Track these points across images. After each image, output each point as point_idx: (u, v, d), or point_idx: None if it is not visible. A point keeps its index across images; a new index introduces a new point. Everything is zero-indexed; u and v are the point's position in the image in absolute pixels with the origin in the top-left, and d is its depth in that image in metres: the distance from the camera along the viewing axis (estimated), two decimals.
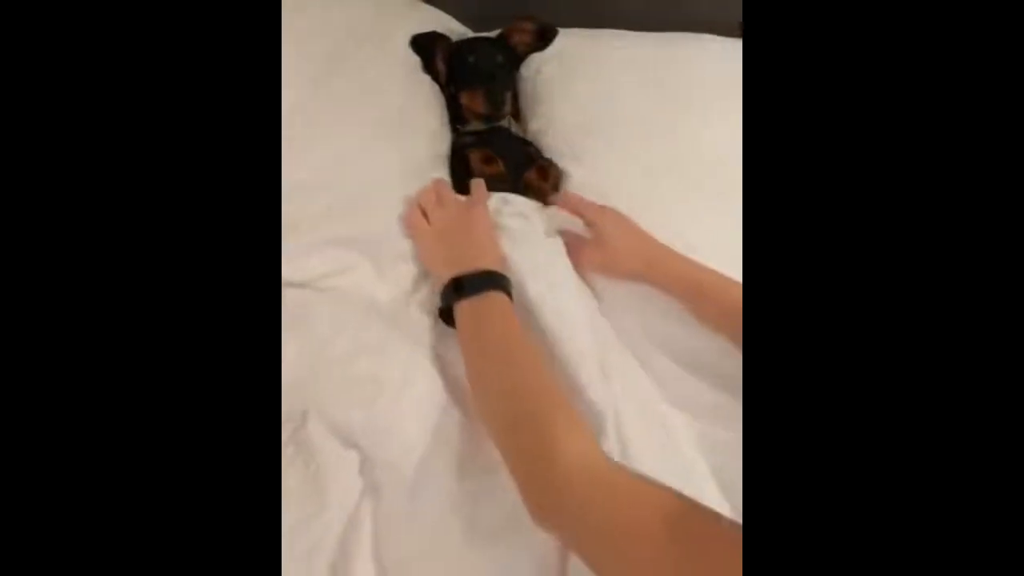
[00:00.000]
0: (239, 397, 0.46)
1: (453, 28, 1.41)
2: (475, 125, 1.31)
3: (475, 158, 1.22)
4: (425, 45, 1.31)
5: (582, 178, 1.21)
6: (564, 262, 1.01)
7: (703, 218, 1.15)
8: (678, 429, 0.94)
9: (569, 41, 1.36)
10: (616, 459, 0.78)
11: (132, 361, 0.44)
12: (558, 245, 1.03)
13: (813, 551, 0.41)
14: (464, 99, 1.30)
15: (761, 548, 0.43)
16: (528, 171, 1.22)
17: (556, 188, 1.22)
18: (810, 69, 0.46)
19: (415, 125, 1.22)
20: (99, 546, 0.42)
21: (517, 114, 1.37)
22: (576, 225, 1.06)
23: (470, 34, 1.41)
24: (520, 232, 1.01)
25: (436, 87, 1.31)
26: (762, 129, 0.47)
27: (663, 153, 1.22)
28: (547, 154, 1.29)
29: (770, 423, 0.44)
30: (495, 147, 1.25)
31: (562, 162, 1.25)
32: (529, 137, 1.34)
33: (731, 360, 0.88)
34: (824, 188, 0.45)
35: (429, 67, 1.31)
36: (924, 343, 0.42)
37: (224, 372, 0.46)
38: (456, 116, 1.32)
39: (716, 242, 1.07)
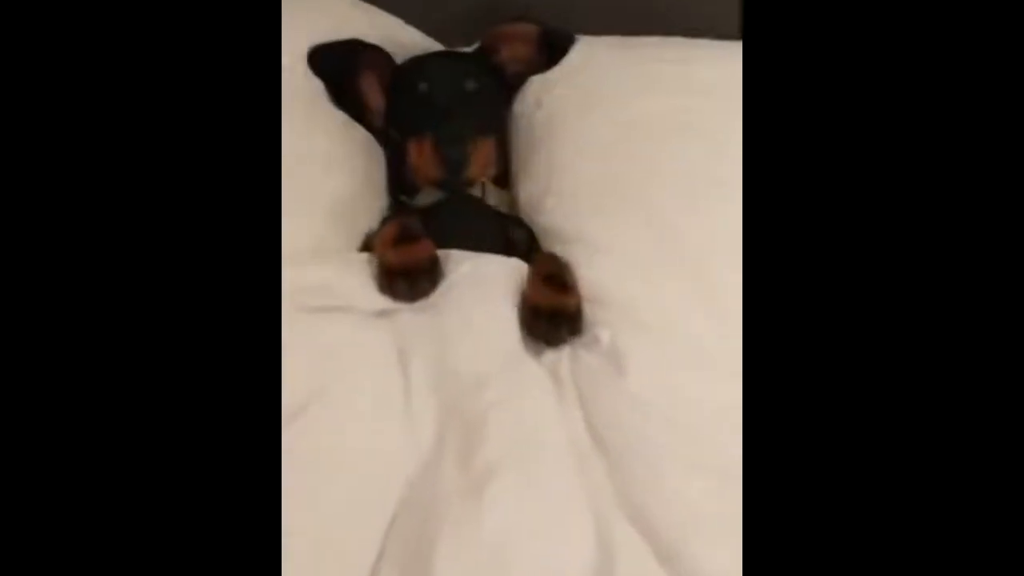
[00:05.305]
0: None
1: (417, 42, 0.96)
2: (428, 194, 0.85)
3: (381, 237, 0.75)
4: (336, 62, 0.85)
5: (599, 281, 0.74)
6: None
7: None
8: None
9: (588, 54, 0.87)
10: None
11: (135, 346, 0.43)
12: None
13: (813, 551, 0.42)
14: (411, 152, 0.82)
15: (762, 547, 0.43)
16: (530, 285, 0.72)
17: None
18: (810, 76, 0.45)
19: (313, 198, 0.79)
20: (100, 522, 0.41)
21: (506, 176, 0.86)
22: None
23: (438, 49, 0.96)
24: None
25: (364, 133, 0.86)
26: (765, 137, 0.46)
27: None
28: (545, 240, 0.81)
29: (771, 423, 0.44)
30: (449, 229, 0.78)
31: (568, 252, 0.78)
32: (519, 212, 0.85)
33: None
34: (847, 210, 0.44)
35: (345, 98, 0.85)
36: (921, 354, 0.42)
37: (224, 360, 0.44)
38: (400, 181, 0.87)
39: None
